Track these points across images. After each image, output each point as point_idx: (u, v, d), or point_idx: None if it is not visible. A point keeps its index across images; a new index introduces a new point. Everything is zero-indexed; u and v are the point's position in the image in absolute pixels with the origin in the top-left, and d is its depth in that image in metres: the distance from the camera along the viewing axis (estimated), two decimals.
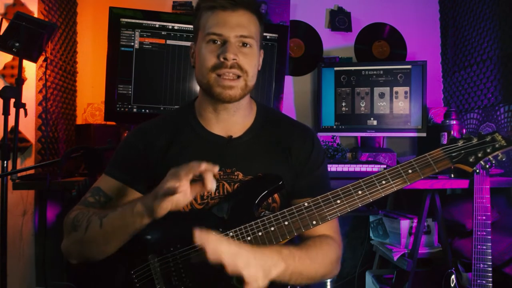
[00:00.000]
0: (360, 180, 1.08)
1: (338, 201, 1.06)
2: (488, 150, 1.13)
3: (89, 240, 1.04)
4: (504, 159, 1.14)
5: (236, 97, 1.13)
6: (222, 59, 1.09)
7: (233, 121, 1.20)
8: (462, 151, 1.12)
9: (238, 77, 1.12)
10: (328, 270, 1.09)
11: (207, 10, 1.12)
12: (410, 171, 1.09)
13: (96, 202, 1.13)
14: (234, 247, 0.89)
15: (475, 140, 1.14)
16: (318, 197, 1.07)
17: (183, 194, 0.92)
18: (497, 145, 1.13)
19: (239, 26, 1.10)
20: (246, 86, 1.14)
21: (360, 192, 1.07)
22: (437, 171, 1.10)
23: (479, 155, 1.12)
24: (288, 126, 1.26)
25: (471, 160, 1.12)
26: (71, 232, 1.07)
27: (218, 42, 1.11)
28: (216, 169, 0.91)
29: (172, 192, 0.89)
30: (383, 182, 1.08)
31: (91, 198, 1.14)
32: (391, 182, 1.08)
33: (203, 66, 1.12)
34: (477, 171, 1.62)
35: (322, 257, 1.08)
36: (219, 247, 0.86)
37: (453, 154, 1.12)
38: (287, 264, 0.97)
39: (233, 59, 1.10)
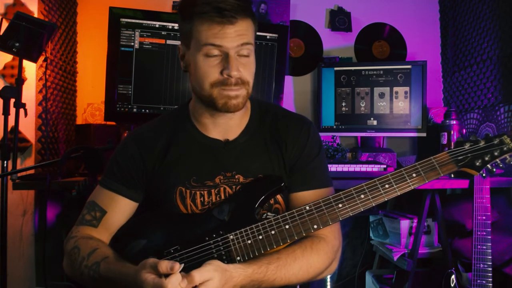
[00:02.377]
0: (363, 184, 1.06)
1: (340, 205, 1.05)
2: (496, 154, 1.09)
3: (85, 281, 1.08)
4: None
5: (239, 106, 1.11)
6: (225, 76, 1.06)
7: (230, 124, 1.19)
8: (469, 155, 1.09)
9: (240, 87, 1.09)
10: (311, 276, 1.07)
11: (202, 21, 1.05)
12: (414, 174, 1.07)
13: (93, 219, 1.14)
14: None
15: (482, 143, 1.10)
16: (320, 200, 1.07)
17: None
18: (505, 148, 1.09)
19: (238, 35, 1.05)
20: (247, 94, 1.12)
21: (362, 196, 1.06)
22: (442, 175, 1.07)
23: (486, 158, 1.09)
24: (285, 119, 1.22)
25: (477, 164, 1.09)
26: (69, 264, 1.11)
27: (217, 55, 1.06)
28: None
29: None
30: (386, 186, 1.06)
31: (88, 215, 1.15)
32: (395, 186, 1.06)
33: (203, 81, 1.08)
34: (483, 175, 1.58)
35: (307, 267, 1.06)
36: None
37: (460, 158, 1.09)
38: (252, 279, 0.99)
39: (237, 76, 1.07)
